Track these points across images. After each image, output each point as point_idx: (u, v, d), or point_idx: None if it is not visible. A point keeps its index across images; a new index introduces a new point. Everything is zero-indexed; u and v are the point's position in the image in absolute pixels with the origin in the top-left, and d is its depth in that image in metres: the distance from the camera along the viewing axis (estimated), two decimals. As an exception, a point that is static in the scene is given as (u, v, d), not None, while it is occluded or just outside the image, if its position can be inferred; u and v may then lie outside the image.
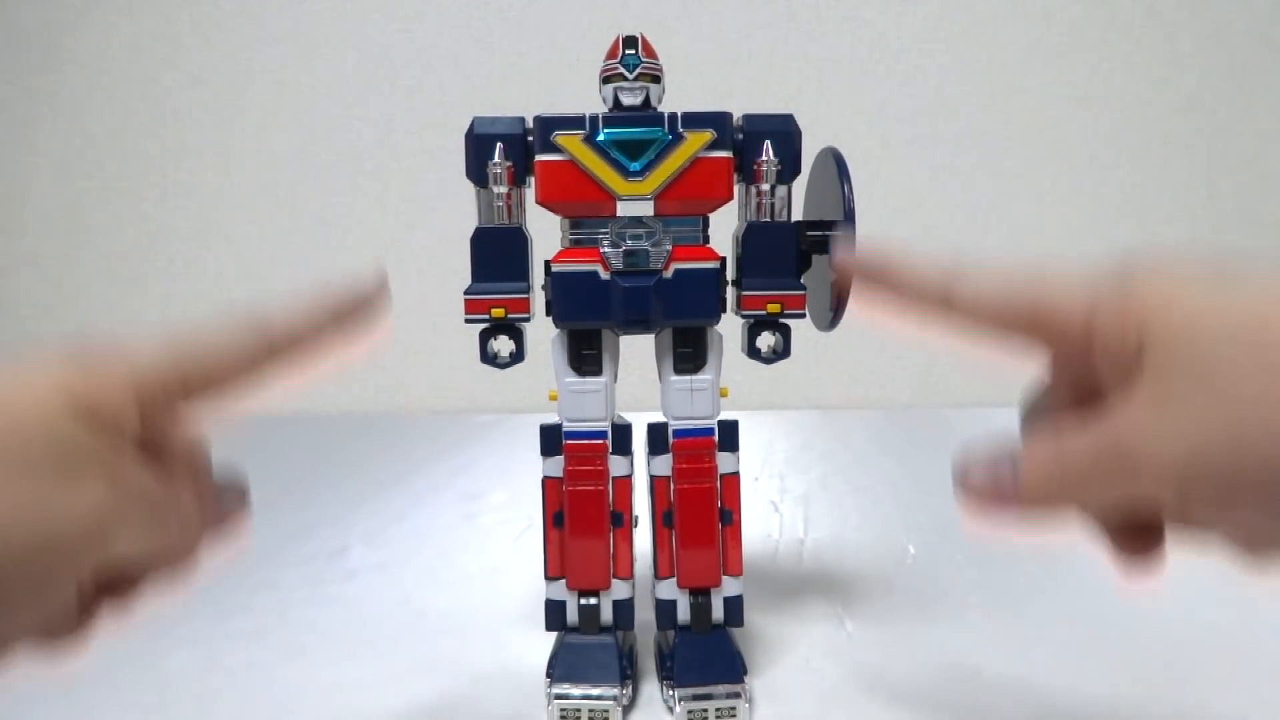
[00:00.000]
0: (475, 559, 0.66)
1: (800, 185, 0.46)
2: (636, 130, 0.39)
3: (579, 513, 0.42)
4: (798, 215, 0.45)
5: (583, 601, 0.42)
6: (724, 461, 0.42)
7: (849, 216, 0.40)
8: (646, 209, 0.41)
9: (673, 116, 0.40)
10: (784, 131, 0.41)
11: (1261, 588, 0.58)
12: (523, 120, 0.41)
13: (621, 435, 0.42)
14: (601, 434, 0.42)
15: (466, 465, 0.90)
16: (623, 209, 0.41)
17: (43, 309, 1.20)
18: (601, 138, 0.39)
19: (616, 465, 0.42)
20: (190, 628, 0.55)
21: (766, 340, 0.42)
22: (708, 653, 0.41)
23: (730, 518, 0.42)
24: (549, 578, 0.43)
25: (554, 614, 0.43)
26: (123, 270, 1.19)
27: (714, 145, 0.39)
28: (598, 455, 0.42)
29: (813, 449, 0.93)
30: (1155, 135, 1.11)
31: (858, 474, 0.85)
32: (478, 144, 0.41)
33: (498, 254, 0.41)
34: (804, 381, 1.15)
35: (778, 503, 0.77)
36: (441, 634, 0.53)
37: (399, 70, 1.13)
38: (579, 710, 0.40)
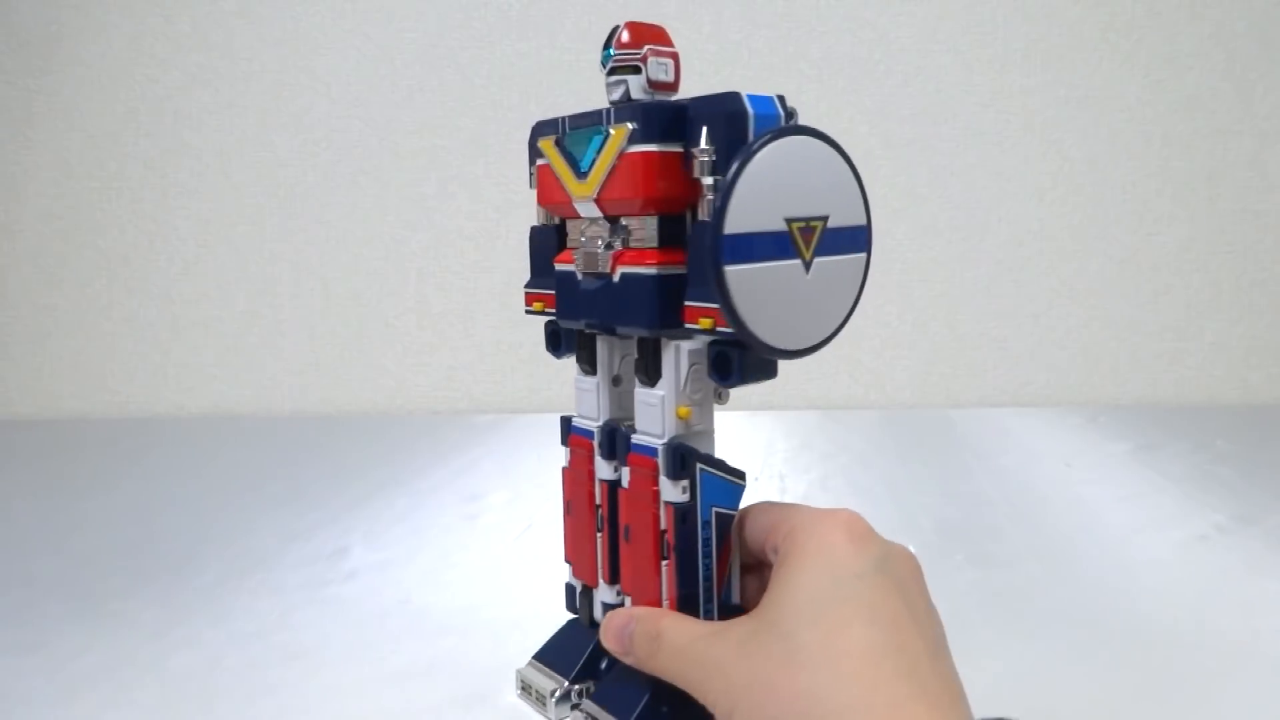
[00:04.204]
0: (476, 559, 0.66)
1: None
2: (582, 129, 0.39)
3: (570, 506, 0.42)
4: None
5: (578, 590, 0.43)
6: (666, 489, 0.37)
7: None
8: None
9: (607, 111, 0.37)
10: (720, 114, 0.34)
11: (1262, 589, 0.58)
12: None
13: (613, 439, 0.41)
14: (591, 433, 0.42)
15: (467, 466, 0.90)
16: (586, 210, 0.40)
17: (43, 309, 1.20)
18: (565, 139, 0.39)
19: (602, 469, 0.41)
20: (191, 628, 0.55)
21: (724, 360, 0.36)
22: (625, 683, 0.38)
23: (669, 553, 0.36)
24: (566, 560, 0.43)
25: (568, 596, 0.44)
26: (123, 270, 1.19)
27: (639, 138, 0.35)
28: (588, 454, 0.41)
29: (813, 449, 0.93)
30: (1155, 135, 1.11)
31: (858, 474, 0.85)
32: (530, 146, 0.41)
33: (544, 252, 0.42)
34: (804, 381, 1.15)
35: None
36: (442, 634, 0.53)
37: (399, 70, 1.13)
38: (530, 686, 0.40)
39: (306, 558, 0.66)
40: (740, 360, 0.35)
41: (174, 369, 1.20)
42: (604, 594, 0.42)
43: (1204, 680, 0.47)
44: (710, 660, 0.32)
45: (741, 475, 0.37)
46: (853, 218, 0.36)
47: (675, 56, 0.37)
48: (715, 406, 0.38)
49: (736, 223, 0.33)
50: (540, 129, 0.40)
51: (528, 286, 0.43)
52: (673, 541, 0.36)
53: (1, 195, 1.18)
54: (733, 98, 0.34)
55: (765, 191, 0.34)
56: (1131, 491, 0.78)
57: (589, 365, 0.42)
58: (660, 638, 0.35)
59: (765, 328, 0.35)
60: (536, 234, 0.42)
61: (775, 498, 0.78)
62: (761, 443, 0.95)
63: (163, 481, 0.89)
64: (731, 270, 0.33)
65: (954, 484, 0.81)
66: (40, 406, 1.21)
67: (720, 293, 0.33)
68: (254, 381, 1.20)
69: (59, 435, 1.09)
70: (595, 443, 0.41)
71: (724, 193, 0.33)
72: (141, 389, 1.21)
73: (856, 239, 0.36)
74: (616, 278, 0.37)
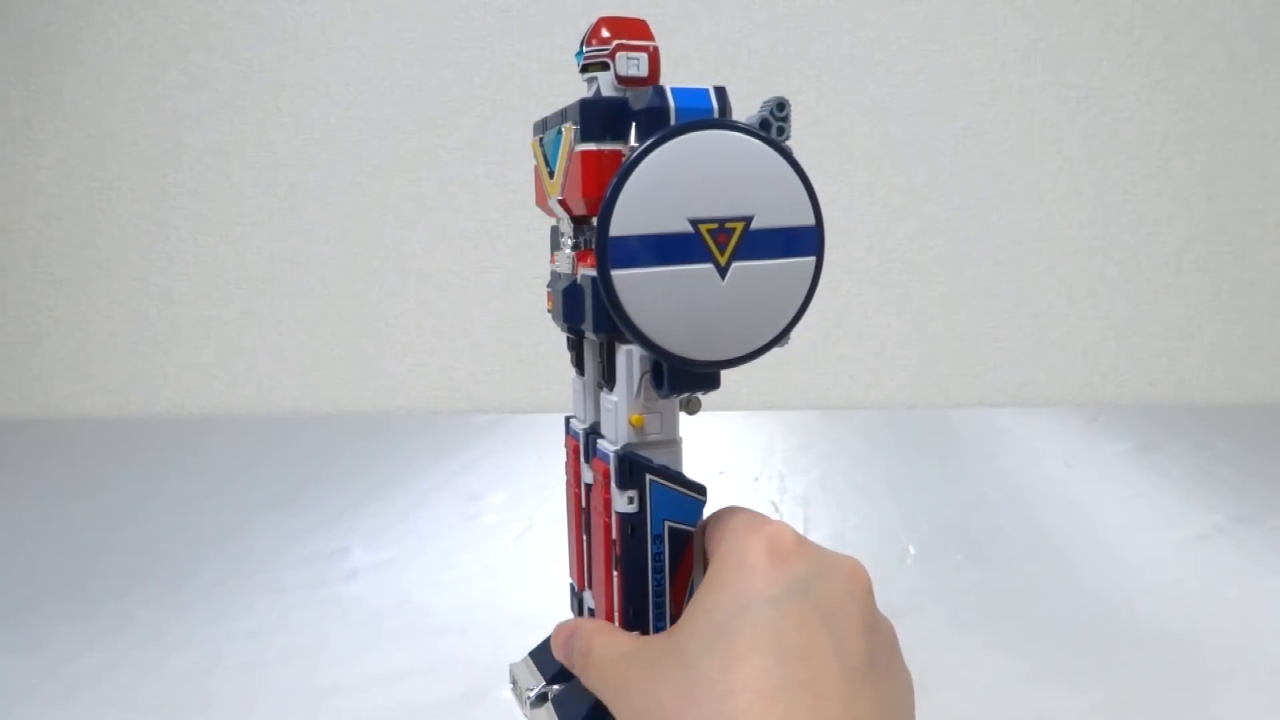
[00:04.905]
0: (475, 559, 0.66)
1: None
2: (552, 129, 0.37)
3: (568, 504, 0.42)
4: None
5: (574, 589, 0.43)
6: (614, 499, 0.35)
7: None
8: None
9: (564, 110, 0.36)
10: (642, 109, 0.32)
11: (1262, 589, 0.58)
12: None
13: (589, 442, 0.41)
14: (576, 434, 0.41)
15: (467, 466, 0.90)
16: (557, 210, 0.40)
17: (43, 309, 1.20)
18: (545, 138, 0.39)
19: (585, 472, 0.41)
20: (191, 629, 0.55)
21: (658, 368, 0.35)
22: (577, 691, 0.37)
23: (617, 564, 0.35)
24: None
25: (570, 596, 0.44)
26: (123, 270, 1.19)
27: (579, 138, 0.34)
28: (577, 455, 0.41)
29: (812, 449, 0.93)
30: (1155, 135, 1.11)
31: (857, 474, 0.85)
32: None
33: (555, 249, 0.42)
34: (804, 381, 1.15)
35: (778, 503, 0.77)
36: (441, 634, 0.53)
37: (399, 70, 1.13)
38: (516, 682, 0.40)
39: (306, 558, 0.66)
40: (668, 368, 0.33)
41: (174, 369, 1.20)
42: (588, 598, 0.41)
43: (1204, 680, 0.47)
44: (623, 682, 0.31)
45: (702, 490, 0.35)
46: (793, 219, 0.33)
47: (651, 50, 0.35)
48: (685, 415, 0.36)
49: (625, 224, 0.32)
50: (535, 128, 0.40)
51: (549, 285, 0.43)
52: (619, 553, 0.35)
53: (1, 195, 1.18)
54: (654, 92, 0.33)
55: (664, 190, 0.32)
56: (1131, 491, 0.79)
57: (579, 366, 0.42)
58: (590, 654, 0.33)
59: (670, 336, 0.33)
60: (553, 233, 0.42)
61: (775, 498, 0.78)
62: (761, 443, 0.95)
63: (163, 481, 0.89)
64: (620, 275, 0.32)
65: (954, 484, 0.81)
66: (40, 406, 1.21)
67: (609, 298, 0.32)
68: (254, 381, 1.20)
69: (59, 435, 1.09)
70: (579, 444, 0.40)
71: (610, 192, 0.31)
72: (141, 389, 1.21)
73: (801, 242, 0.33)
74: (578, 278, 0.36)
